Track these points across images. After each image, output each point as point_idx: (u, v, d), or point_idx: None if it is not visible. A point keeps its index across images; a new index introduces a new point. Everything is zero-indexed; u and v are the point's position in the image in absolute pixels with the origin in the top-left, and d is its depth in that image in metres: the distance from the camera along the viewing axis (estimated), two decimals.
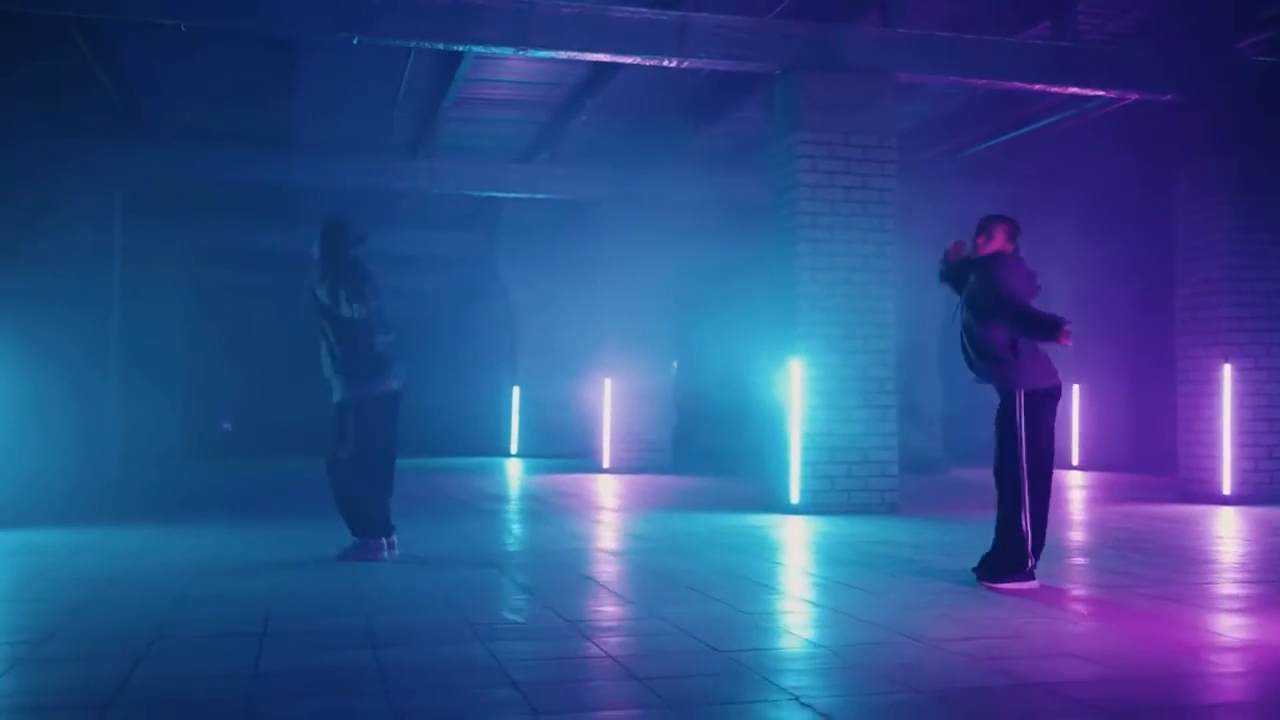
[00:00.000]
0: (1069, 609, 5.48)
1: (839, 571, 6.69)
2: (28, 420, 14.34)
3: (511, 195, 16.63)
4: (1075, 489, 13.07)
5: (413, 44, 10.06)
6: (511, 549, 7.98)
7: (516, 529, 9.37)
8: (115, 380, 15.26)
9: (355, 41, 9.77)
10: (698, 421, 18.96)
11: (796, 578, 6.58)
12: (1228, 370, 10.97)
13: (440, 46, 10.14)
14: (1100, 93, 11.28)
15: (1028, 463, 6.02)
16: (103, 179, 14.98)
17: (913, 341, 16.57)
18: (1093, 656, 4.37)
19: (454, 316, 24.68)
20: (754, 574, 6.56)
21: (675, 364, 16.08)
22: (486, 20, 9.76)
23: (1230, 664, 4.32)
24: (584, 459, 17.06)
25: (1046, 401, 6.08)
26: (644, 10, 10.12)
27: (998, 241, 6.28)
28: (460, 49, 10.27)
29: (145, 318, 18.42)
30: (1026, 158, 15.48)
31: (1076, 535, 8.60)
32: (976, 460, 17.03)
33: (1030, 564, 6.02)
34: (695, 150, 15.42)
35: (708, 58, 10.27)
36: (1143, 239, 15.43)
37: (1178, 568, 6.84)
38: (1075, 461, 16.52)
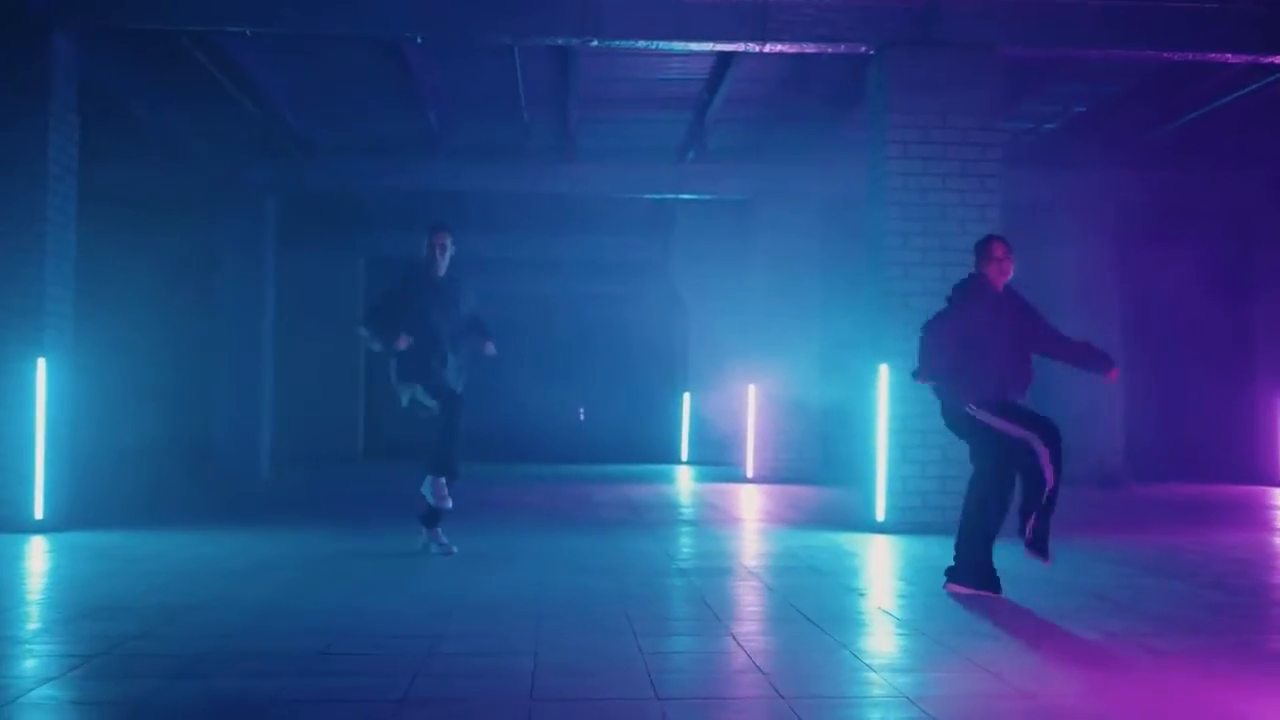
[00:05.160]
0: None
1: (821, 609, 5.97)
2: (185, 418, 15.01)
3: (656, 196, 16.23)
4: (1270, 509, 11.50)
5: (478, 40, 9.82)
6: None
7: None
8: (270, 384, 15.70)
9: (419, 41, 9.61)
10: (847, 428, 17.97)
11: (749, 612, 5.88)
12: None
13: (508, 41, 9.85)
14: (1262, 59, 9.90)
15: None
16: (257, 189, 15.53)
17: (1088, 336, 15.11)
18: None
19: (630, 322, 24.44)
20: (718, 603, 5.92)
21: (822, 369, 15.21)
22: (552, 11, 9.40)
23: None
24: (742, 468, 16.43)
25: None
26: None
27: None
28: (528, 43, 9.95)
29: (321, 322, 19.02)
30: (1217, 138, 13.88)
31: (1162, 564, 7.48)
32: (1167, 474, 15.48)
33: None
34: (841, 142, 14.55)
35: (793, 40, 9.55)
36: None
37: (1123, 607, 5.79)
38: None
